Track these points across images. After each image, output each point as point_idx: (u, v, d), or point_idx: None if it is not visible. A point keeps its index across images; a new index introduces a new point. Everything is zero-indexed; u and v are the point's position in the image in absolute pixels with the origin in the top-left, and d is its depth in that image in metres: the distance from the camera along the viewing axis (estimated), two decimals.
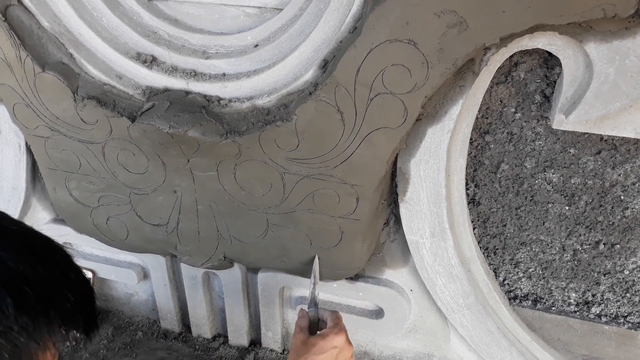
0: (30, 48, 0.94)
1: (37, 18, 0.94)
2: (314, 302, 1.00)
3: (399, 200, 0.98)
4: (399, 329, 1.15)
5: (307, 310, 0.98)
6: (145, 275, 1.32)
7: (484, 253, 1.07)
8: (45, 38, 0.96)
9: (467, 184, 1.00)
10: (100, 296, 1.41)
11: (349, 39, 0.81)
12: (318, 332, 0.93)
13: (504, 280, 1.09)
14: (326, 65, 0.85)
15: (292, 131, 0.88)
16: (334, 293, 1.15)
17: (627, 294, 1.03)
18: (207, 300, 1.29)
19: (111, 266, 1.30)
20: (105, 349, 1.33)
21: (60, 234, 1.27)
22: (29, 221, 1.30)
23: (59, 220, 1.26)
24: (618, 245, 0.99)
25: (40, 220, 1.28)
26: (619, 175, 0.92)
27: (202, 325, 1.33)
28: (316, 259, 1.04)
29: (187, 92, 0.96)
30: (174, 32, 0.96)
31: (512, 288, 1.10)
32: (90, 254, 1.32)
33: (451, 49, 0.75)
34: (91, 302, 0.64)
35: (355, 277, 1.11)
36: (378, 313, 1.16)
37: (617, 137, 0.88)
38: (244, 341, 1.32)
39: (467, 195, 1.01)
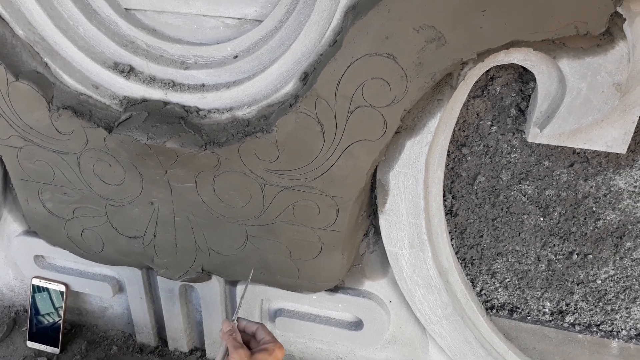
0: (4, 56, 0.92)
1: (11, 26, 0.93)
2: (236, 314, 0.97)
3: (378, 212, 0.98)
4: (378, 340, 1.15)
5: (232, 319, 0.94)
6: (120, 288, 1.29)
7: (461, 264, 1.08)
8: (19, 46, 0.94)
9: (444, 195, 1.01)
10: (73, 310, 1.37)
11: (329, 52, 0.81)
12: (255, 346, 0.90)
13: (481, 290, 1.10)
14: (307, 78, 0.85)
15: (273, 143, 0.88)
16: (313, 305, 1.14)
17: (600, 303, 1.06)
18: (185, 314, 1.27)
19: (85, 279, 1.27)
20: None
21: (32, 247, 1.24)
22: None
23: (31, 232, 1.23)
24: (590, 256, 1.01)
25: (12, 232, 1.25)
26: (591, 187, 0.94)
27: (179, 339, 1.31)
28: (252, 271, 1.03)
29: (166, 103, 0.95)
30: (152, 42, 0.95)
31: (489, 298, 1.11)
32: (64, 266, 1.29)
33: (430, 63, 0.76)
34: None
35: (334, 289, 1.11)
36: (357, 324, 1.16)
37: (589, 150, 0.90)
38: None
39: (445, 206, 1.02)
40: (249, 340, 0.92)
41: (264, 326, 0.94)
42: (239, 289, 1.16)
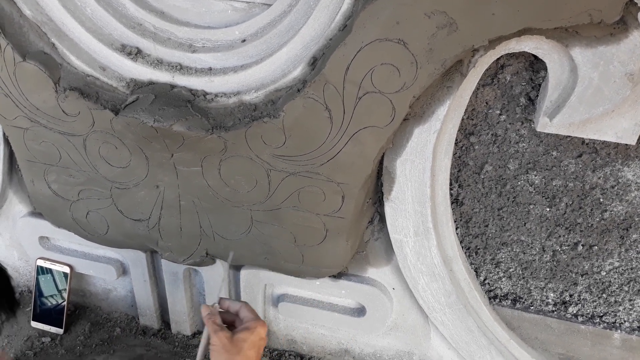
0: (11, 36, 0.91)
1: (18, 5, 0.92)
2: (219, 296, 0.95)
3: (384, 199, 0.98)
4: (381, 327, 1.16)
5: (215, 304, 0.92)
6: (124, 270, 1.30)
7: (465, 253, 1.08)
8: (26, 27, 0.93)
9: (450, 184, 1.00)
10: (77, 292, 1.38)
11: (338, 37, 0.80)
12: (239, 325, 0.89)
13: (484, 279, 1.10)
14: (315, 63, 0.84)
15: (279, 128, 0.88)
16: (316, 291, 1.15)
17: (603, 295, 1.06)
18: (188, 297, 1.27)
19: (89, 261, 1.28)
20: (82, 345, 1.31)
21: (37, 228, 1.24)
22: (4, 214, 1.27)
23: (36, 213, 1.23)
24: (596, 247, 1.01)
25: (17, 213, 1.25)
26: (599, 178, 0.94)
27: (182, 322, 1.32)
28: (231, 254, 1.01)
29: (173, 86, 0.95)
30: (160, 24, 0.94)
31: (492, 287, 1.11)
32: (68, 248, 1.29)
33: (440, 49, 0.75)
34: (5, 278, 0.62)
35: (338, 275, 1.11)
36: (360, 311, 1.16)
37: (598, 140, 0.90)
38: None
39: (451, 195, 1.02)
40: (233, 320, 0.91)
41: (247, 304, 0.93)
42: (243, 273, 1.17)
